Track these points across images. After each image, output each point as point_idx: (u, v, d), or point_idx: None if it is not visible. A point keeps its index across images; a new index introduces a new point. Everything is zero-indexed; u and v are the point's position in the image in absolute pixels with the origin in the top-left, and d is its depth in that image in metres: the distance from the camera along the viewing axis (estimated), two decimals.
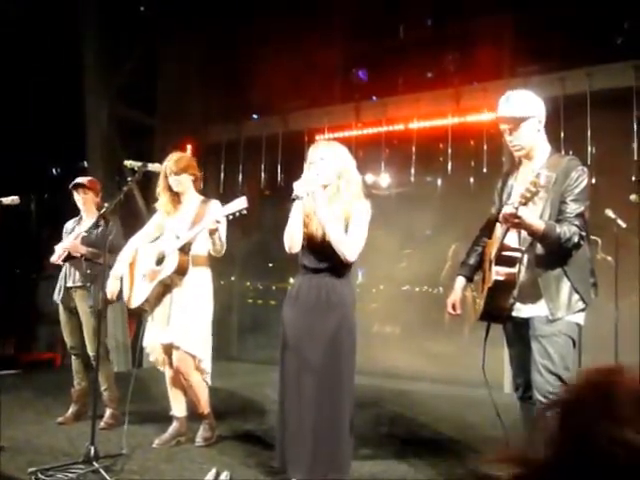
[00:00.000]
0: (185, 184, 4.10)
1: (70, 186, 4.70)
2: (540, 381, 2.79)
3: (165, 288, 4.01)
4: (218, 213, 3.67)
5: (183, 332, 3.94)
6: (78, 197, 4.69)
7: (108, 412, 4.51)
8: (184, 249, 3.91)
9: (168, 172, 4.05)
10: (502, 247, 2.84)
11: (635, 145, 5.86)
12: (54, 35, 7.34)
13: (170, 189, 4.09)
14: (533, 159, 2.98)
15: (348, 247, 3.13)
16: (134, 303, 4.08)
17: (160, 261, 3.97)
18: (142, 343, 4.17)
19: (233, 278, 8.82)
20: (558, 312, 2.83)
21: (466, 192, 7.12)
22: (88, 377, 4.63)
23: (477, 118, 6.52)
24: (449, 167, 6.94)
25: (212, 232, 3.75)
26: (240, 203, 3.56)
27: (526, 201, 2.60)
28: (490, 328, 3.11)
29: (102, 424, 4.40)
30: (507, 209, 2.69)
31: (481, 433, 4.27)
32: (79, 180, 4.73)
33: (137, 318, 6.74)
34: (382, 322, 8.32)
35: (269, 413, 4.63)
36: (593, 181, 5.60)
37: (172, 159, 4.08)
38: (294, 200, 3.10)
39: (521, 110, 2.90)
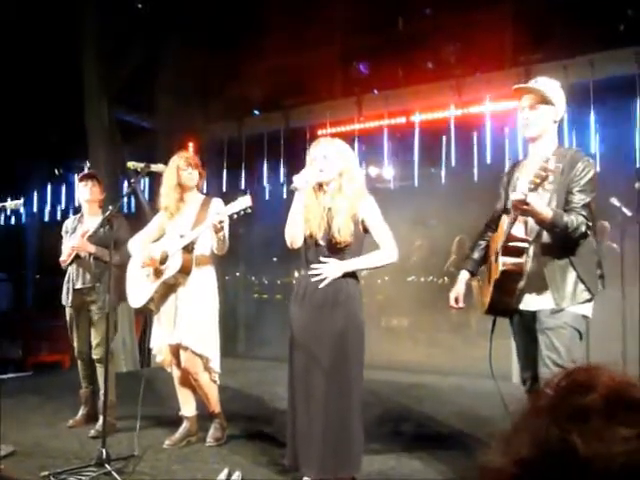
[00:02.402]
0: (195, 180, 4.12)
1: (79, 177, 4.63)
2: (547, 374, 2.77)
3: (170, 288, 4.00)
4: (222, 212, 3.66)
5: (190, 332, 3.93)
6: (85, 190, 4.58)
7: (102, 419, 4.17)
8: (188, 248, 3.90)
9: (182, 166, 4.04)
10: (509, 237, 2.82)
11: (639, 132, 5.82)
12: (54, 37, 7.33)
13: (179, 185, 4.06)
14: (538, 148, 2.96)
15: (389, 254, 3.20)
16: (137, 303, 4.08)
17: (163, 260, 3.97)
18: (149, 344, 4.17)
19: (238, 274, 8.82)
20: (563, 302, 2.82)
21: (470, 183, 7.10)
22: (95, 379, 4.59)
23: (479, 109, 6.49)
24: (452, 159, 6.92)
25: (217, 231, 3.73)
26: (244, 202, 3.54)
27: (535, 186, 2.56)
28: (496, 321, 3.11)
29: (93, 432, 4.23)
30: (516, 195, 2.67)
31: (491, 426, 4.24)
32: (90, 171, 4.69)
33: (143, 318, 6.75)
34: (388, 314, 8.31)
35: (278, 411, 4.63)
36: (598, 169, 5.59)
37: (184, 155, 4.16)
38: (293, 192, 3.11)
39: (549, 90, 2.92)
